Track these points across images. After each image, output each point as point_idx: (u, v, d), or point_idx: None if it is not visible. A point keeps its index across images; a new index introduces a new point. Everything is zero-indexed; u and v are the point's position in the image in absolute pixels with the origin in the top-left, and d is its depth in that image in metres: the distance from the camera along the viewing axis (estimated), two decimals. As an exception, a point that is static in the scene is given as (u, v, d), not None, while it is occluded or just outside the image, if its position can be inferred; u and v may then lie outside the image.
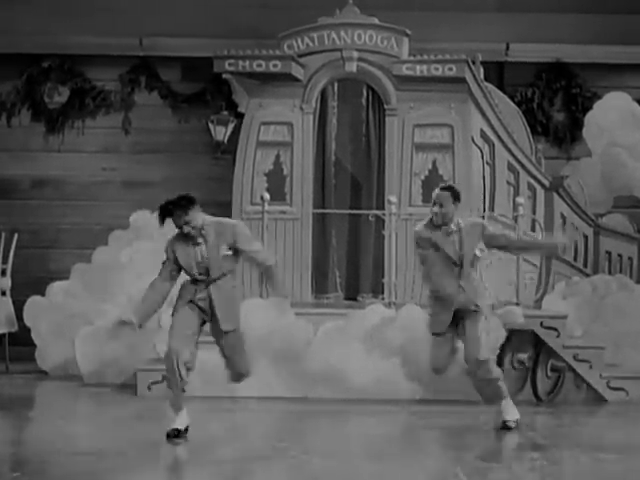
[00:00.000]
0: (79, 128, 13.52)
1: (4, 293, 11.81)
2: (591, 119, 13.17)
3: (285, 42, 11.46)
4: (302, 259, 11.16)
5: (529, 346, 9.77)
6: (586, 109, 13.33)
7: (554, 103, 13.63)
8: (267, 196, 10.96)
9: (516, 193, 12.14)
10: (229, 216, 10.93)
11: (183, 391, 7.22)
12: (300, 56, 11.39)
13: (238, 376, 7.51)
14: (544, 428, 7.98)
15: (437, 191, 7.88)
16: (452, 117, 11.32)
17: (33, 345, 11.37)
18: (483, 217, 11.37)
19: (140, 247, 11.01)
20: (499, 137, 12.04)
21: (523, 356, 9.72)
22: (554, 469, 6.56)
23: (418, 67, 11.18)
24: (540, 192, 12.86)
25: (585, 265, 13.55)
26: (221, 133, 12.99)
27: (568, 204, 13.26)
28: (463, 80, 11.12)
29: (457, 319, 7.86)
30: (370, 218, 11.03)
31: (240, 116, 12.15)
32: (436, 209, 7.81)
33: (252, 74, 11.37)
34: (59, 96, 13.53)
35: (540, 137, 13.41)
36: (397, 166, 11.35)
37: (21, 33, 13.08)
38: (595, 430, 8.52)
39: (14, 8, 13.04)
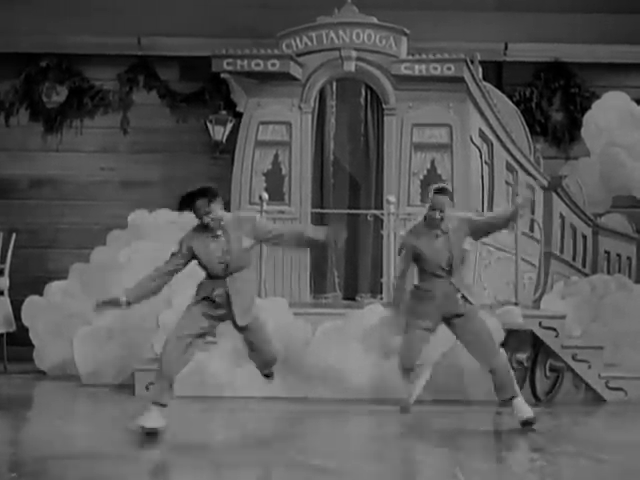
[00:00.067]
0: (77, 128, 13.51)
1: (2, 293, 11.80)
2: (590, 119, 13.16)
3: (283, 41, 11.45)
4: (300, 259, 11.15)
5: (528, 346, 9.76)
6: (585, 109, 13.33)
7: (553, 103, 13.63)
8: (265, 196, 10.94)
9: (514, 193, 12.14)
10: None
11: (170, 386, 7.25)
12: (298, 55, 11.38)
13: (265, 364, 7.48)
14: (543, 428, 7.96)
15: (436, 196, 7.88)
16: (451, 117, 11.31)
17: (31, 345, 11.36)
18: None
19: (138, 247, 11.00)
20: (498, 137, 12.03)
21: (522, 356, 9.71)
22: (553, 469, 6.56)
23: (417, 66, 11.17)
24: (539, 192, 12.86)
25: (584, 265, 13.55)
26: (219, 133, 12.98)
27: (567, 204, 13.25)
28: (462, 80, 11.11)
29: (447, 321, 7.96)
30: (369, 218, 11.02)
31: (238, 115, 12.14)
32: (437, 215, 7.84)
33: (250, 73, 11.36)
34: (57, 95, 13.53)
35: (539, 137, 13.41)
36: (396, 166, 11.34)
37: (19, 32, 13.08)
38: (594, 430, 8.51)
39: (12, 8, 13.04)
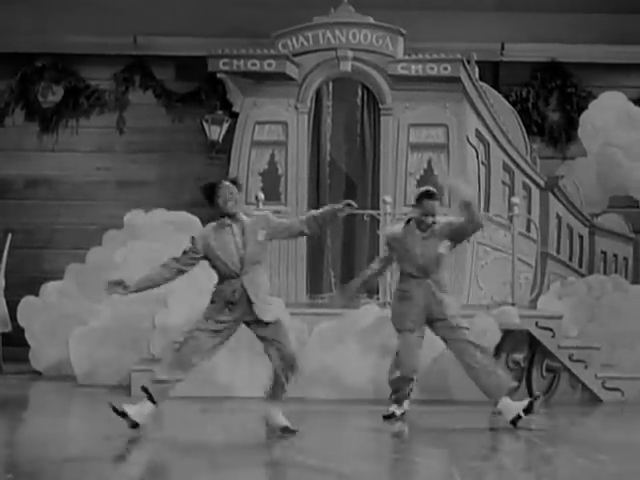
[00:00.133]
0: (73, 127, 13.49)
1: (-2, 293, 11.79)
2: (586, 119, 13.15)
3: (280, 41, 11.45)
4: (297, 259, 11.15)
5: (524, 346, 9.75)
6: (581, 109, 13.32)
7: (549, 103, 13.62)
8: (262, 196, 10.95)
9: (511, 193, 12.14)
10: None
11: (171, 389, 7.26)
12: (295, 55, 11.37)
13: (290, 366, 7.37)
14: (539, 428, 7.96)
15: (428, 201, 7.89)
16: (447, 117, 11.31)
17: (27, 345, 11.34)
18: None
19: (134, 247, 10.98)
20: (494, 137, 12.03)
21: (518, 356, 9.70)
22: (549, 469, 6.55)
23: (413, 66, 11.17)
24: (535, 192, 12.85)
25: (580, 265, 13.54)
26: (216, 132, 12.96)
27: (563, 204, 13.25)
28: (458, 80, 11.11)
29: (430, 324, 8.03)
30: (365, 218, 11.01)
31: (235, 115, 12.13)
32: (430, 219, 7.87)
33: (247, 73, 11.36)
34: (53, 95, 13.50)
35: (535, 137, 13.40)
36: (392, 166, 11.34)
37: (15, 32, 13.05)
38: (590, 430, 8.52)
39: (7, 8, 13.00)
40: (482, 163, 11.82)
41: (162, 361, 7.47)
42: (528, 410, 7.85)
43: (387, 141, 11.37)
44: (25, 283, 12.07)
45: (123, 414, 7.18)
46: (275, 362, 7.34)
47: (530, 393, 9.67)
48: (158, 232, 11.09)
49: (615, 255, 13.72)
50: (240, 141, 11.46)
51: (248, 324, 7.36)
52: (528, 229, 12.29)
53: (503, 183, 12.28)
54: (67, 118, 13.45)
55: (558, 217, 13.17)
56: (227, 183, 7.33)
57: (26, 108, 13.44)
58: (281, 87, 11.38)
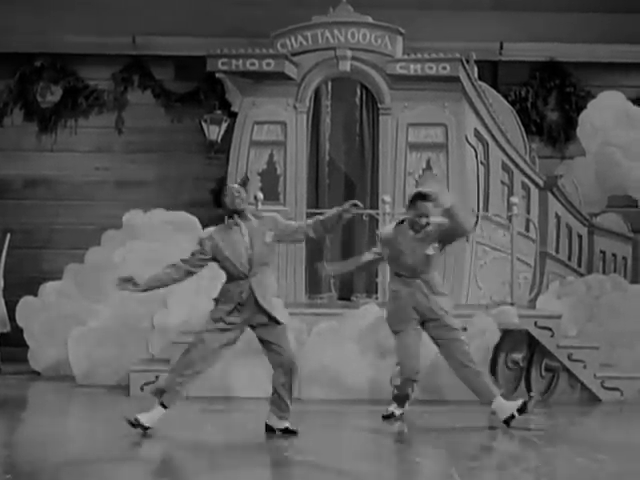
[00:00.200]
0: (72, 127, 13.48)
1: (-4, 293, 11.79)
2: (585, 118, 13.15)
3: (278, 41, 11.44)
4: (296, 259, 11.14)
5: (523, 346, 9.75)
6: (580, 108, 13.32)
7: (548, 102, 13.62)
8: (261, 195, 10.93)
9: (510, 193, 12.14)
10: (222, 217, 10.90)
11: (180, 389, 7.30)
12: (294, 55, 11.37)
13: (290, 371, 7.35)
14: (539, 428, 7.96)
15: (423, 203, 7.87)
16: (446, 116, 11.31)
17: (26, 346, 11.33)
18: (477, 217, 11.38)
19: (133, 247, 10.97)
20: (493, 136, 12.03)
21: (517, 356, 9.70)
22: (549, 469, 6.55)
23: (412, 66, 11.17)
24: (534, 191, 12.85)
25: (579, 265, 13.54)
26: (214, 132, 12.95)
27: (562, 203, 13.25)
28: (457, 79, 11.11)
29: (423, 324, 8.03)
30: (364, 218, 11.00)
31: (233, 115, 12.12)
32: (424, 220, 7.87)
33: (245, 73, 11.35)
34: (52, 95, 13.49)
35: (534, 136, 13.39)
36: (391, 165, 11.34)
37: (13, 32, 13.03)
38: (589, 430, 8.51)
39: (6, 7, 12.99)
40: (481, 163, 11.82)
41: (171, 365, 7.48)
42: (522, 410, 7.85)
43: (386, 141, 11.37)
44: (24, 283, 12.06)
45: (137, 424, 7.23)
46: (275, 370, 7.38)
47: (529, 393, 9.68)
48: (157, 232, 11.09)
49: (614, 254, 13.73)
50: (239, 141, 11.46)
51: (253, 327, 7.37)
52: (527, 229, 12.29)
53: (502, 183, 12.28)
54: (66, 118, 13.44)
55: (557, 217, 13.17)
56: (233, 184, 7.42)
57: (25, 108, 13.43)
58: (280, 87, 11.38)
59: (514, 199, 10.87)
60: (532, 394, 8.58)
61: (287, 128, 11.43)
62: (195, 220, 11.26)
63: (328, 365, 9.43)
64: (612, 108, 13.06)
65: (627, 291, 11.45)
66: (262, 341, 7.38)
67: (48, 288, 11.41)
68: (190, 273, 7.35)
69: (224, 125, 12.87)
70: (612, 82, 13.34)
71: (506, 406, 7.88)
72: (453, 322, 8.00)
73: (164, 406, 7.31)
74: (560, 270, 13.00)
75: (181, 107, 13.36)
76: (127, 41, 13.25)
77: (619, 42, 13.13)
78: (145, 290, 7.34)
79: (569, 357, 9.74)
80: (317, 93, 11.50)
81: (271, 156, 11.46)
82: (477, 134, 11.68)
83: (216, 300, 7.41)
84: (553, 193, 13.06)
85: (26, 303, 11.45)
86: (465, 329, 8.11)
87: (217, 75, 11.65)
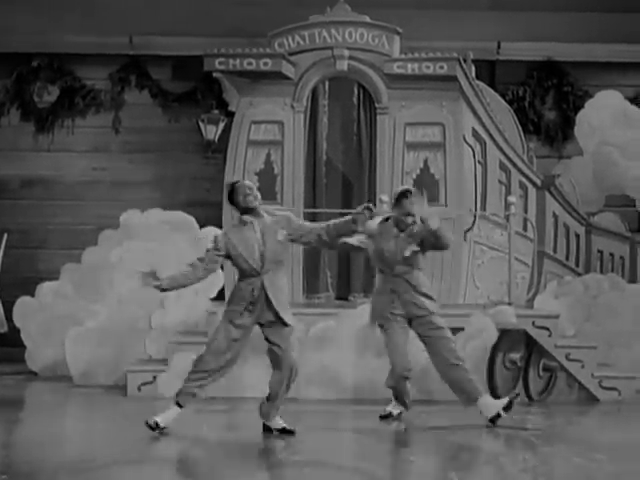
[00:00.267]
0: (69, 127, 13.46)
1: (-7, 294, 11.78)
2: (583, 117, 13.16)
3: (276, 40, 11.42)
4: (293, 259, 11.12)
5: (521, 346, 9.74)
6: (578, 107, 13.32)
7: (545, 101, 13.61)
8: (258, 195, 10.90)
9: (508, 192, 12.13)
10: (220, 217, 10.92)
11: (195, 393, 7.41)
12: (291, 54, 11.35)
13: (289, 373, 7.36)
14: (536, 428, 7.96)
15: (408, 201, 7.88)
16: (443, 115, 11.29)
17: (23, 346, 11.32)
18: (475, 216, 11.38)
19: (130, 247, 10.97)
20: (491, 136, 12.02)
21: (515, 356, 9.69)
22: (546, 469, 6.55)
23: (409, 65, 11.15)
24: (532, 191, 12.85)
25: (577, 264, 13.54)
26: (212, 132, 12.94)
27: (560, 203, 13.25)
28: (454, 78, 11.10)
29: (410, 322, 8.03)
30: (362, 217, 10.97)
31: (231, 115, 12.10)
32: (410, 219, 7.89)
33: (243, 72, 11.33)
34: (49, 95, 13.47)
35: (532, 136, 13.39)
36: (388, 165, 11.32)
37: (10, 32, 13.01)
38: (587, 430, 8.51)
39: (3, 7, 12.97)
40: (478, 162, 11.81)
41: (190, 368, 7.50)
42: (507, 408, 7.85)
43: (383, 140, 11.35)
44: (20, 283, 12.06)
45: (156, 427, 7.28)
46: (273, 370, 7.39)
47: (527, 392, 9.68)
48: (154, 232, 11.08)
49: (612, 254, 13.73)
50: (236, 140, 11.44)
51: (261, 325, 7.37)
52: (525, 228, 12.29)
53: (499, 182, 12.27)
54: (63, 118, 13.42)
55: (555, 216, 13.17)
56: (245, 182, 7.50)
57: (22, 108, 13.41)
58: (277, 86, 11.36)
59: (511, 198, 10.87)
60: (517, 392, 8.59)
61: (284, 128, 11.42)
62: (192, 220, 11.26)
63: (326, 365, 9.42)
64: (609, 107, 13.06)
65: (625, 291, 11.45)
66: (268, 341, 7.41)
67: (45, 288, 11.40)
68: (209, 271, 7.39)
69: (221, 125, 12.86)
70: (609, 81, 13.34)
71: (492, 405, 7.88)
72: (439, 321, 7.99)
73: (180, 405, 7.36)
74: (558, 270, 13.00)
75: (178, 107, 13.35)
76: (124, 41, 13.23)
77: (617, 41, 13.13)
78: (166, 290, 7.36)
79: (567, 357, 9.74)
80: (314, 93, 11.48)
81: (268, 156, 11.45)
82: (475, 133, 11.67)
83: (228, 301, 7.43)
84: (551, 192, 13.05)
85: (23, 303, 11.44)
86: (446, 330, 8.08)
87: (214, 75, 11.64)
